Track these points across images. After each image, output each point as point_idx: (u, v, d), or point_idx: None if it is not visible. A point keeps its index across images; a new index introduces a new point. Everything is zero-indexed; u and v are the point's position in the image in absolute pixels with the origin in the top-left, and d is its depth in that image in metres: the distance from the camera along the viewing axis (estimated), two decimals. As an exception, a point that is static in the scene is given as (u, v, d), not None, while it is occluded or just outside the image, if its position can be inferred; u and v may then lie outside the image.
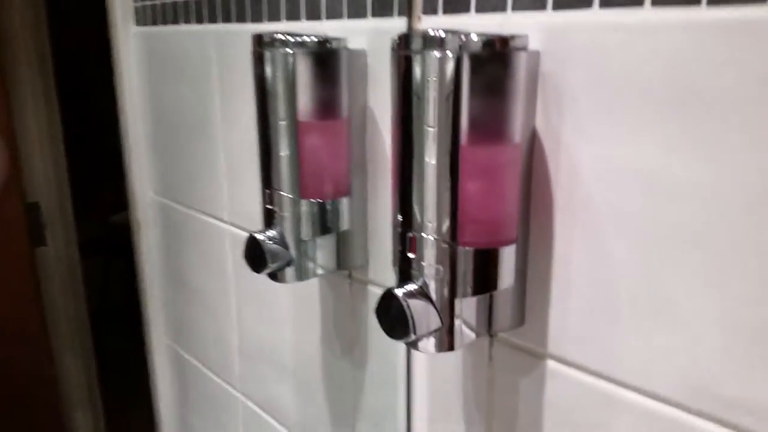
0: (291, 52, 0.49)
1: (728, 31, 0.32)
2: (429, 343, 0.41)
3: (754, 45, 0.32)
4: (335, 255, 0.56)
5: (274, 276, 0.55)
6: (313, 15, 0.56)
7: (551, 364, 0.44)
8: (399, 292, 0.39)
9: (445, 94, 0.37)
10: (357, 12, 0.52)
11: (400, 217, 0.41)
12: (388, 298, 0.40)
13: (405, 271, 0.41)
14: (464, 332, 0.42)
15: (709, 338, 0.36)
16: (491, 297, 0.43)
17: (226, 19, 0.68)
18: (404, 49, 0.38)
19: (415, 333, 0.39)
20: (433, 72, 0.37)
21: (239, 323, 0.80)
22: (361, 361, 0.61)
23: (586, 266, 0.41)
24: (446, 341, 0.41)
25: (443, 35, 0.36)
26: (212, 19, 0.71)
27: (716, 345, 0.36)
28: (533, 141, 0.42)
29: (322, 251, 0.55)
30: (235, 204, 0.75)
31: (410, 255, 0.41)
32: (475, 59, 0.36)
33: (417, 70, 0.37)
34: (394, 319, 0.40)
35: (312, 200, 0.52)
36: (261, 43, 0.50)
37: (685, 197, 0.35)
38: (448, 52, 0.36)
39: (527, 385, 0.46)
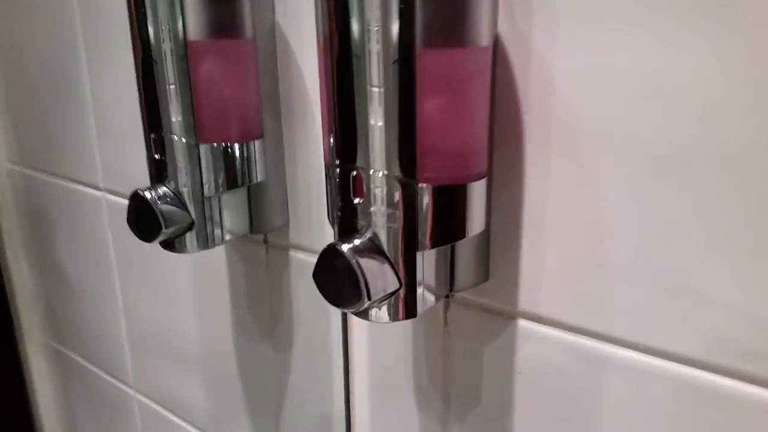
0: (173, -54, 0.37)
1: None
2: (383, 311, 0.32)
3: None
4: (247, 215, 0.46)
5: (169, 245, 0.43)
6: None
7: (522, 324, 0.37)
8: (344, 247, 0.30)
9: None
10: None
11: (336, 155, 0.31)
12: (330, 257, 0.30)
13: (348, 221, 0.32)
14: (425, 294, 0.33)
15: (722, 280, 0.30)
16: (453, 248, 0.35)
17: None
18: None
19: (369, 298, 0.30)
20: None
21: (127, 309, 0.68)
22: (284, 343, 0.52)
23: (566, 202, 0.33)
24: (405, 306, 0.32)
25: None
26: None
27: (731, 287, 0.29)
28: (496, 50, 0.33)
29: (230, 210, 0.44)
30: (111, 167, 0.62)
31: (355, 200, 0.31)
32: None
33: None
34: (340, 283, 0.30)
35: (214, 144, 0.41)
36: (131, -63, 0.38)
37: (693, 110, 0.28)
38: None
39: (493, 352, 0.39)
